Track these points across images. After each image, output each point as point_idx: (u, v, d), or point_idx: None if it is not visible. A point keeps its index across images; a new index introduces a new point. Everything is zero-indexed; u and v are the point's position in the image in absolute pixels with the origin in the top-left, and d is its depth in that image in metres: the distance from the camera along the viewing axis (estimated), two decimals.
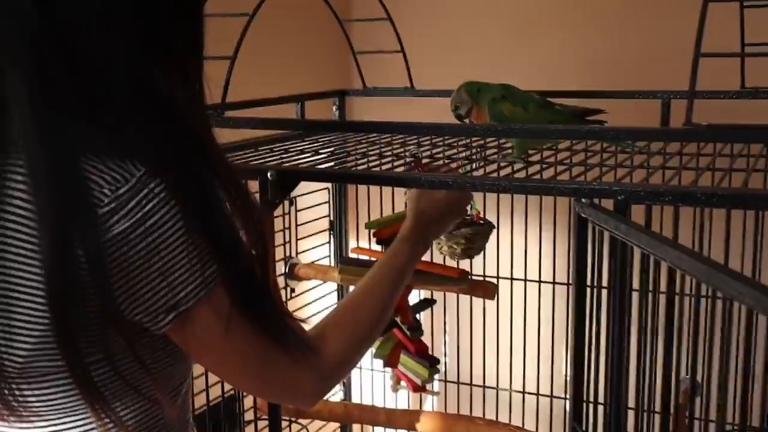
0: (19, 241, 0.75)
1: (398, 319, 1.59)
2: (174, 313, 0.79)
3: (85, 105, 0.76)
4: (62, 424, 0.83)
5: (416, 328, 1.59)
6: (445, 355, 2.11)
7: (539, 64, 2.52)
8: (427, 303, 1.70)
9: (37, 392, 0.81)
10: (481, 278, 1.93)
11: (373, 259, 1.61)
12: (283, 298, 1.74)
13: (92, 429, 0.84)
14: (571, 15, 2.49)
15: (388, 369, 1.65)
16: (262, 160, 1.47)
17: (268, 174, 1.30)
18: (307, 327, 0.98)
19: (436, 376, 2.06)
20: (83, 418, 0.83)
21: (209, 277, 0.79)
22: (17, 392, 0.80)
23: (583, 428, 1.19)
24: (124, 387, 0.83)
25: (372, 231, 1.50)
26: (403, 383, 1.67)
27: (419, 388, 1.62)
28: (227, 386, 1.61)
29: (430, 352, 1.62)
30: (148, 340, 0.82)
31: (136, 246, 0.75)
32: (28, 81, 0.75)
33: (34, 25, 0.74)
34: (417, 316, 1.62)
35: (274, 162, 1.44)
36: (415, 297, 1.72)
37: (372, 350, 1.59)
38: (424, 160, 1.44)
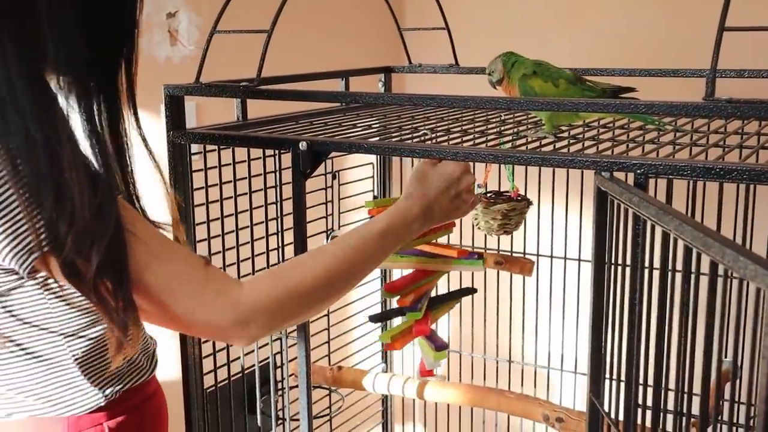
0: None
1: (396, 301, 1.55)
2: (35, 255, 0.85)
3: None
4: None
5: (413, 309, 1.54)
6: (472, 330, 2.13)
7: (586, 42, 2.50)
8: (466, 292, 1.68)
9: None
10: (521, 255, 1.94)
11: None
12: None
13: None
14: None
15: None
16: (298, 133, 1.50)
17: (300, 145, 1.34)
18: None
19: (467, 353, 2.08)
20: None
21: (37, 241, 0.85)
22: None
23: (600, 401, 1.20)
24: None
25: (368, 210, 1.51)
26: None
27: (424, 372, 1.62)
28: (262, 354, 1.65)
29: (436, 335, 1.59)
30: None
31: None
32: None
33: None
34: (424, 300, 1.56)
35: (311, 134, 1.47)
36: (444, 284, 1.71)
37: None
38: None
